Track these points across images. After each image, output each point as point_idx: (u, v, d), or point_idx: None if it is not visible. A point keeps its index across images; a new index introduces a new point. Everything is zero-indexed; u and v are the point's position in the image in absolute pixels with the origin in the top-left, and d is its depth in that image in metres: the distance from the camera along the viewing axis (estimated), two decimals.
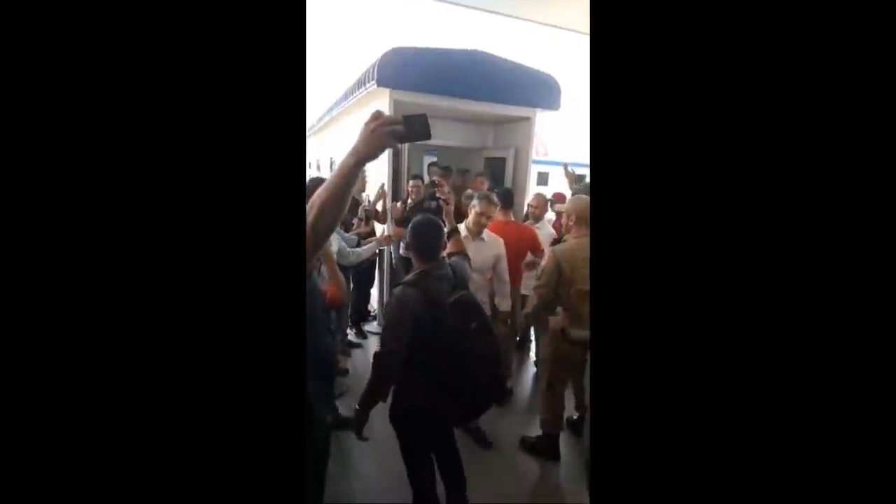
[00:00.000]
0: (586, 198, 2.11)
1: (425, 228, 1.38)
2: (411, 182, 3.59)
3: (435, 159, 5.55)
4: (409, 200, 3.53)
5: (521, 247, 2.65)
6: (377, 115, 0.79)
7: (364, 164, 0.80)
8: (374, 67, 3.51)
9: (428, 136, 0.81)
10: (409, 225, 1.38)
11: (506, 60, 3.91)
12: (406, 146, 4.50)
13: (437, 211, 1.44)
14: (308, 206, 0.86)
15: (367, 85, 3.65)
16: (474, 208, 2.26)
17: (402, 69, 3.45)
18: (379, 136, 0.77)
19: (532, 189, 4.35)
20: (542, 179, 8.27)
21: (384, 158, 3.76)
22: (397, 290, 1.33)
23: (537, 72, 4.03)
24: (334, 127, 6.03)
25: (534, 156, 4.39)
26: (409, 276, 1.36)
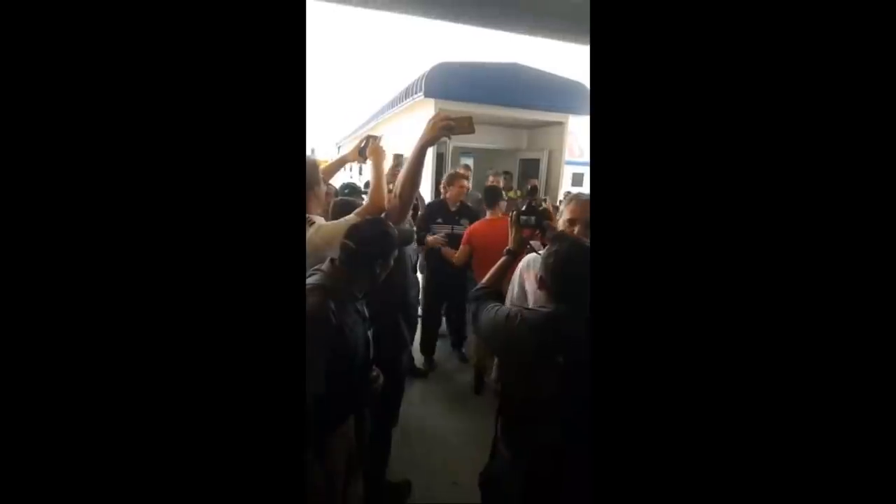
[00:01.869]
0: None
1: (572, 263, 0.90)
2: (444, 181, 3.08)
3: (471, 160, 5.93)
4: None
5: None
6: (438, 114, 1.20)
7: (427, 148, 1.20)
8: (421, 80, 3.95)
9: (472, 132, 1.18)
10: (549, 254, 0.95)
11: (540, 71, 4.24)
12: (450, 148, 4.93)
13: (537, 229, 1.10)
14: (395, 185, 1.28)
15: (415, 95, 4.10)
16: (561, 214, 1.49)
17: (447, 81, 3.87)
18: (438, 128, 1.16)
19: (565, 189, 4.65)
20: (577, 180, 8.28)
21: (428, 161, 4.18)
22: (513, 312, 0.95)
23: (569, 80, 4.34)
24: (380, 130, 6.54)
25: (568, 157, 4.69)
26: (532, 311, 0.96)
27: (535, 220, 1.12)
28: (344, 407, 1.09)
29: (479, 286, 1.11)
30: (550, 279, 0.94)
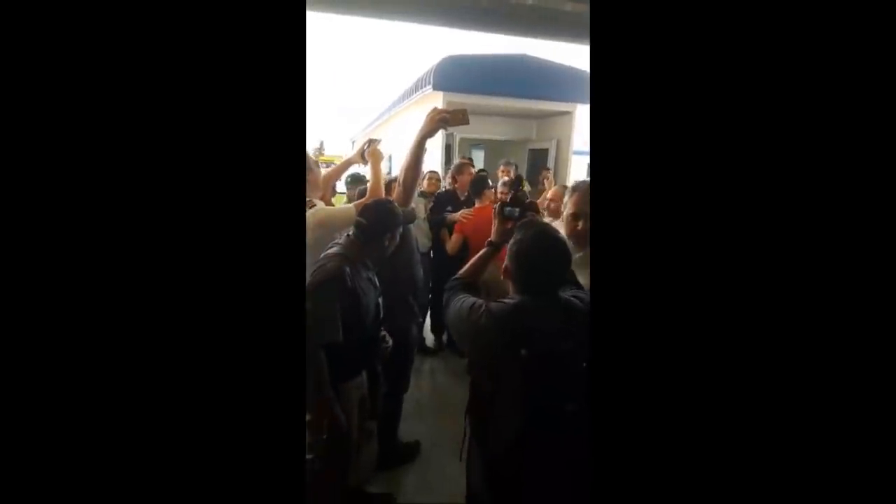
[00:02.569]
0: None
1: (538, 251, 0.89)
2: (428, 173, 3.03)
3: (482, 151, 6.04)
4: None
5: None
6: (435, 109, 1.35)
7: (426, 139, 1.36)
8: (430, 73, 4.07)
9: (466, 123, 1.34)
10: (514, 242, 0.92)
11: (548, 61, 4.31)
12: (457, 140, 5.05)
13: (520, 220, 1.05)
14: (398, 175, 1.44)
15: (424, 89, 4.22)
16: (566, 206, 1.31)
17: (455, 74, 3.98)
18: (435, 121, 1.33)
19: (575, 180, 4.71)
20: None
21: (437, 151, 4.31)
22: (478, 303, 0.92)
23: (576, 70, 4.39)
24: (392, 124, 6.70)
25: (576, 147, 4.76)
26: (497, 303, 0.91)
27: (520, 211, 1.08)
28: (358, 360, 1.26)
29: (455, 276, 1.08)
30: (514, 268, 0.91)
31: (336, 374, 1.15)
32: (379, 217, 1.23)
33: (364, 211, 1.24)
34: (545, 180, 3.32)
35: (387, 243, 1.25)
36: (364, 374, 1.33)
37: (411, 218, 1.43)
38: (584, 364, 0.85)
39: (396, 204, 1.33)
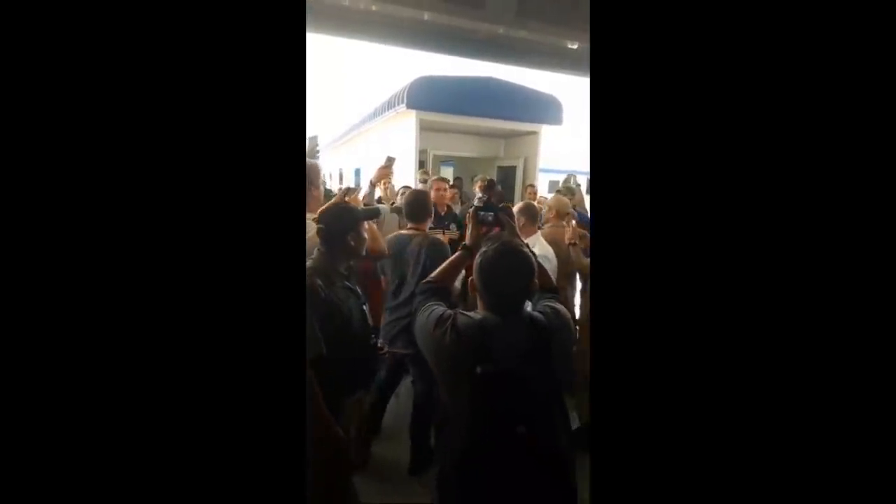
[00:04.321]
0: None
1: (500, 267, 0.87)
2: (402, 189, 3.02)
3: (451, 168, 6.19)
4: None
5: None
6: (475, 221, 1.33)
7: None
8: (403, 92, 4.17)
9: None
10: (479, 255, 0.91)
11: (515, 84, 4.54)
12: (430, 157, 5.15)
13: (497, 226, 1.08)
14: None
15: (397, 107, 4.31)
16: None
17: (428, 93, 4.11)
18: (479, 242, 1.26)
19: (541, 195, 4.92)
20: (555, 188, 8.39)
21: (411, 169, 4.39)
22: (446, 314, 0.90)
23: (542, 92, 4.66)
24: (361, 141, 6.73)
25: (541, 165, 5.00)
26: (465, 316, 0.89)
27: (494, 216, 1.10)
28: (355, 372, 1.26)
29: (427, 279, 1.05)
30: (479, 283, 0.90)
31: (338, 390, 1.15)
32: (336, 217, 1.24)
33: (322, 217, 1.25)
34: (529, 195, 3.52)
35: (353, 243, 1.25)
36: (364, 387, 1.32)
37: (374, 214, 1.45)
38: (547, 388, 0.86)
39: (354, 205, 1.36)
